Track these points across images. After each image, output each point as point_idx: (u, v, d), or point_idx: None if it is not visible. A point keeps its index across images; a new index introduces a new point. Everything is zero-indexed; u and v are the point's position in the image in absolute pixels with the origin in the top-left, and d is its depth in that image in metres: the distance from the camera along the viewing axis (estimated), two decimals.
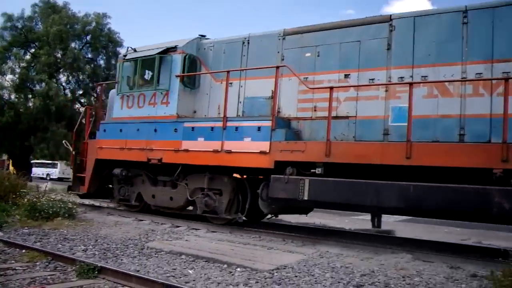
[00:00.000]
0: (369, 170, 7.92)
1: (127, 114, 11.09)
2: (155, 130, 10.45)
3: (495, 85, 7.35)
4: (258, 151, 8.88)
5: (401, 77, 8.20)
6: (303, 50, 9.31)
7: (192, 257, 6.78)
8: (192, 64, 10.47)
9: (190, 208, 10.78)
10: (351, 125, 8.56)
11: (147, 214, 11.16)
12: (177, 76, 10.32)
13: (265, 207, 9.41)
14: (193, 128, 9.86)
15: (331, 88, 8.37)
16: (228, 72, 9.61)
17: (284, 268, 6.21)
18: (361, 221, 14.15)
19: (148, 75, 10.80)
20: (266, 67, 9.33)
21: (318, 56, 9.09)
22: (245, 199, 9.85)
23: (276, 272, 5.98)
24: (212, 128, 9.59)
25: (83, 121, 13.61)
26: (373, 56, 8.50)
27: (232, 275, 5.87)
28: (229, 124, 9.38)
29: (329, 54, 8.98)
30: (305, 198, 8.27)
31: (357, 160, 7.92)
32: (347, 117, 8.59)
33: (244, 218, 9.85)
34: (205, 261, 6.57)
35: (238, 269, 6.14)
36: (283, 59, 9.54)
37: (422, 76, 8.02)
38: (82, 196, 12.35)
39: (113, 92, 12.10)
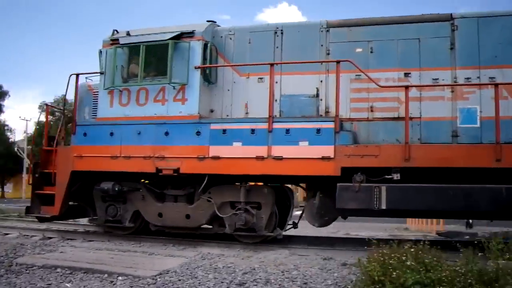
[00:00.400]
0: (442, 174, 7.54)
1: (121, 113, 8.84)
2: (167, 133, 8.50)
3: None
4: (320, 156, 7.78)
5: (468, 78, 7.99)
6: (352, 44, 8.48)
7: (69, 269, 6.53)
8: (211, 54, 8.80)
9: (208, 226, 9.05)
10: (415, 127, 8.04)
11: (139, 236, 9.08)
12: (196, 68, 8.55)
13: (315, 220, 8.34)
14: (224, 130, 8.25)
15: (407, 87, 7.73)
16: (272, 65, 8.26)
17: (167, 273, 6.21)
18: None
19: (152, 65, 8.75)
20: (323, 61, 8.29)
21: (372, 52, 8.37)
22: (285, 211, 8.63)
23: (159, 278, 5.99)
24: (252, 131, 8.13)
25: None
26: (436, 55, 8.12)
27: (114, 284, 5.83)
28: (276, 125, 8.06)
29: (384, 50, 8.32)
30: (383, 207, 7.49)
31: (439, 164, 7.44)
32: (410, 118, 8.05)
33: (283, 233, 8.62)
34: (84, 273, 6.36)
35: (120, 277, 6.05)
36: (328, 53, 8.57)
37: (489, 78, 7.91)
38: (47, 220, 9.52)
39: (85, 85, 9.60)
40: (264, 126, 8.09)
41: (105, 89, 8.96)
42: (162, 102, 8.65)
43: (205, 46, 8.63)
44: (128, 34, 8.99)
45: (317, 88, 8.49)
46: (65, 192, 8.97)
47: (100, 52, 9.27)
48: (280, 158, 7.95)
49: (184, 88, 8.55)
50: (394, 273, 4.89)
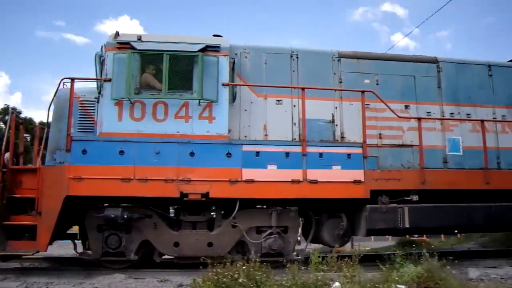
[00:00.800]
0: (438, 195, 8.76)
1: (134, 129, 7.62)
2: (192, 154, 7.70)
3: None
4: (352, 180, 8.15)
5: (452, 113, 9.45)
6: (361, 76, 9.16)
7: None
8: (232, 71, 8.36)
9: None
10: (416, 153, 9.10)
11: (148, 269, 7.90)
12: (225, 85, 8.02)
13: (337, 241, 8.60)
14: (258, 152, 7.92)
15: (419, 118, 8.76)
16: (303, 89, 8.32)
17: None
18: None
19: (175, 77, 7.82)
20: (351, 89, 8.67)
21: (377, 84, 9.18)
22: (306, 233, 8.66)
23: None
24: (287, 154, 8.02)
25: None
26: (428, 92, 9.38)
27: None
28: (310, 149, 8.12)
29: (388, 84, 9.22)
30: (407, 226, 8.27)
31: (448, 186, 8.61)
32: (411, 146, 9.07)
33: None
34: None
35: None
36: (341, 82, 9.05)
37: (466, 114, 9.51)
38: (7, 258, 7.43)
39: (66, 93, 7.95)
40: (298, 149, 8.06)
41: (113, 99, 7.64)
42: (186, 119, 7.82)
43: (232, 63, 8.20)
44: (139, 39, 7.88)
45: (332, 114, 8.86)
46: (55, 222, 7.23)
47: (100, 56, 7.88)
48: (315, 182, 8.02)
49: (211, 106, 7.91)
50: None
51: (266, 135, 8.51)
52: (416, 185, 8.47)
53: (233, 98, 8.40)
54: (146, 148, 7.58)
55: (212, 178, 7.70)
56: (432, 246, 14.34)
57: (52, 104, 7.93)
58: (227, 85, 8.04)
